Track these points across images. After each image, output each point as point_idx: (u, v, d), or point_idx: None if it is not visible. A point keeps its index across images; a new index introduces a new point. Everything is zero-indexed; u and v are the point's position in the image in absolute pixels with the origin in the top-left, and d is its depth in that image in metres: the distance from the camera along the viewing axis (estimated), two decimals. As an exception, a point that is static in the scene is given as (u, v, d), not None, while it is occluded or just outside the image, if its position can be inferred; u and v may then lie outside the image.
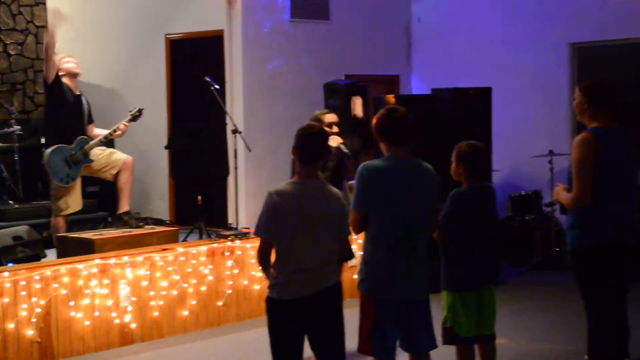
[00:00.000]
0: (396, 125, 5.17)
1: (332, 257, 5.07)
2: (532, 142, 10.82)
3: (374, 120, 5.26)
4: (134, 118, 8.90)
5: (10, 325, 6.84)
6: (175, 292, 7.75)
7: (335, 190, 5.07)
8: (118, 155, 8.86)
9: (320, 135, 5.01)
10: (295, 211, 4.85)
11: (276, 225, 4.85)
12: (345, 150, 8.06)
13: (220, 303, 8.05)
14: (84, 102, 8.91)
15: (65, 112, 8.69)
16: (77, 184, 8.78)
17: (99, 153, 8.81)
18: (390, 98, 9.68)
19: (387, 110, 5.25)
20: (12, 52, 12.48)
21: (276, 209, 4.85)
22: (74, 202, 8.75)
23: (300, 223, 4.86)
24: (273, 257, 5.00)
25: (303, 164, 4.97)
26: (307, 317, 4.90)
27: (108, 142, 9.26)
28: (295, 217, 4.85)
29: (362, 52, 11.62)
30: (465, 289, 5.68)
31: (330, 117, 8.25)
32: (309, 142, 4.96)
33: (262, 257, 5.00)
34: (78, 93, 8.88)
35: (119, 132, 8.84)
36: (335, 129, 8.13)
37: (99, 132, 8.94)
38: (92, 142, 8.72)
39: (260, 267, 5.06)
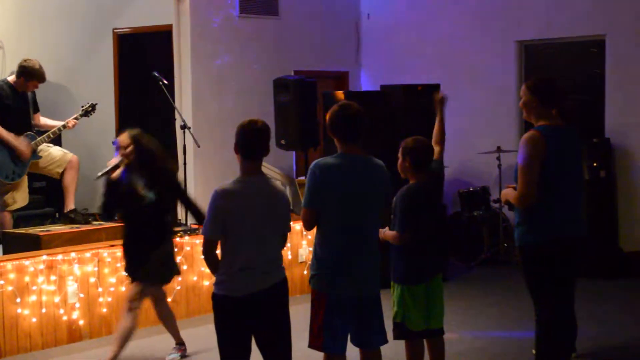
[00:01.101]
0: (349, 122, 5.18)
1: (278, 254, 5.09)
2: (480, 138, 10.92)
3: (327, 117, 5.26)
4: (86, 113, 8.87)
5: (-44, 323, 6.77)
6: (123, 289, 7.70)
7: (279, 186, 5.08)
8: (63, 154, 8.79)
9: (263, 130, 4.98)
10: (241, 209, 4.84)
11: (221, 224, 4.84)
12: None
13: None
14: (28, 95, 8.82)
15: (7, 112, 8.59)
16: (24, 180, 8.72)
17: (45, 150, 8.72)
18: (340, 94, 9.72)
19: (340, 107, 5.24)
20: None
21: (221, 208, 4.84)
22: (20, 197, 8.68)
23: (245, 221, 4.85)
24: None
25: (246, 161, 4.95)
26: (254, 313, 4.90)
27: (55, 139, 9.17)
28: (240, 215, 4.84)
29: (311, 48, 11.62)
30: (414, 281, 5.72)
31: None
32: (250, 138, 4.94)
33: (208, 255, 4.99)
34: (21, 91, 8.77)
35: (68, 127, 8.76)
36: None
37: (47, 121, 8.87)
38: (39, 139, 8.63)
39: (207, 265, 5.05)
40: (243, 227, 4.85)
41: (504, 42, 11.10)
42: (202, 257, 7.93)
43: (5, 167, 8.48)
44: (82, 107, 8.88)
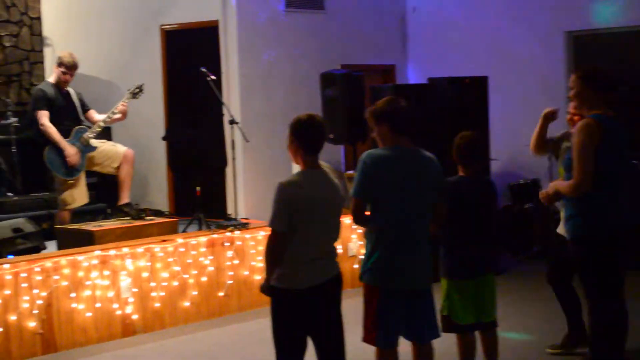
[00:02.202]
0: (400, 115, 5.19)
1: (336, 246, 5.11)
2: (530, 131, 10.79)
3: (377, 110, 5.27)
4: (134, 95, 8.88)
5: (12, 317, 6.86)
6: (176, 283, 7.77)
7: (336, 179, 5.09)
8: (118, 148, 8.86)
9: (322, 124, 5.02)
10: (307, 201, 4.86)
11: (288, 217, 4.84)
12: None
13: (221, 294, 8.07)
14: (73, 94, 8.92)
15: (55, 111, 8.68)
16: (82, 177, 8.80)
17: (99, 146, 8.79)
18: (386, 88, 9.69)
19: (391, 100, 5.27)
20: (7, 44, 12.44)
21: (288, 199, 4.85)
22: (79, 195, 8.78)
23: (310, 214, 4.87)
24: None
25: (307, 155, 4.97)
26: (313, 307, 4.92)
27: (107, 135, 9.25)
28: (307, 207, 4.86)
29: (357, 42, 11.61)
30: (461, 276, 5.71)
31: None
32: (313, 133, 4.97)
33: (276, 249, 4.90)
34: (65, 90, 8.88)
35: (118, 115, 8.79)
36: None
37: (100, 117, 8.91)
38: (88, 132, 8.70)
39: (269, 258, 4.95)
40: (308, 220, 4.86)
41: (553, 33, 11.00)
42: (254, 250, 8.13)
43: (61, 164, 8.60)
44: (129, 90, 8.91)
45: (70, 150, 8.57)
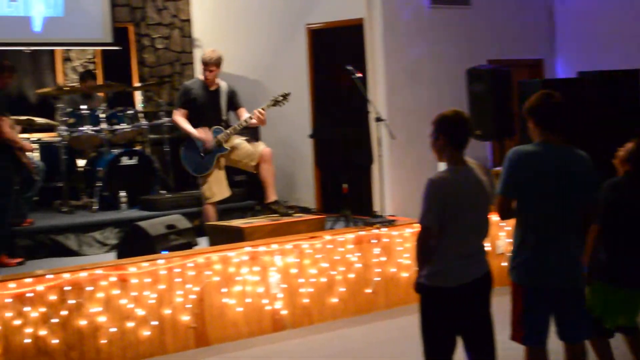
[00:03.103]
0: (551, 111, 5.10)
1: (485, 244, 5.06)
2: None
3: (528, 104, 5.19)
4: (276, 103, 8.81)
5: (167, 311, 7.07)
6: (324, 280, 7.85)
7: (483, 176, 5.03)
8: (255, 147, 8.89)
9: (468, 120, 4.98)
10: (456, 197, 4.84)
11: (438, 213, 4.83)
12: None
13: (368, 290, 8.10)
14: (223, 91, 8.96)
15: (197, 108, 8.86)
16: (220, 173, 8.92)
17: (238, 144, 8.90)
18: (535, 82, 9.52)
19: (543, 95, 5.17)
20: (159, 47, 12.85)
21: (437, 196, 4.83)
22: (218, 190, 8.90)
23: (461, 209, 4.84)
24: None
25: (454, 150, 4.94)
26: (464, 305, 4.88)
27: (253, 133, 9.41)
28: (456, 204, 4.83)
29: (504, 36, 11.43)
30: (621, 284, 5.54)
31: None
32: (459, 128, 4.94)
33: (425, 245, 4.89)
34: (214, 88, 8.95)
35: (253, 121, 8.77)
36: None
37: (245, 115, 8.95)
38: (224, 132, 8.82)
39: (419, 255, 4.95)
40: (457, 216, 4.83)
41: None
42: (401, 247, 8.13)
43: (192, 161, 8.81)
44: (273, 97, 8.91)
45: (204, 136, 8.75)
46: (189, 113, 8.87)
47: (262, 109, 8.69)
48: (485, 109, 9.48)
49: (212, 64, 8.82)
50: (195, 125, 8.84)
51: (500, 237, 8.74)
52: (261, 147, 8.92)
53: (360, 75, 8.96)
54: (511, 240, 5.28)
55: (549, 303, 5.09)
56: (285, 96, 8.80)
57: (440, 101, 10.33)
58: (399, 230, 8.26)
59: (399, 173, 10.16)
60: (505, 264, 8.19)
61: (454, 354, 4.97)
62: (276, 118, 11.55)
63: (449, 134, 4.92)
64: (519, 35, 11.65)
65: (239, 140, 8.94)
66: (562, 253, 5.05)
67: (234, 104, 8.99)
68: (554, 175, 5.02)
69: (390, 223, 8.33)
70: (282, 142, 11.53)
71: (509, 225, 8.33)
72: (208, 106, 8.89)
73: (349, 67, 8.96)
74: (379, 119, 8.76)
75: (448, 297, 4.87)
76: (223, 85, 8.97)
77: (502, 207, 5.11)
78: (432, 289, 4.91)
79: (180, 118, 8.88)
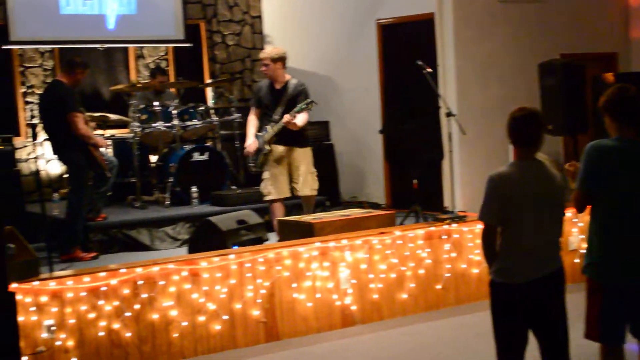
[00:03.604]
0: (628, 105, 5.00)
1: (557, 239, 4.99)
2: None
3: (603, 99, 5.11)
4: (300, 110, 8.67)
5: (238, 306, 7.12)
6: (393, 275, 7.82)
7: (554, 170, 4.97)
8: (304, 186, 8.93)
9: (527, 117, 4.91)
10: (519, 193, 4.79)
11: (500, 208, 4.80)
12: None
13: (438, 286, 8.06)
14: (288, 91, 8.85)
15: (262, 109, 8.95)
16: (278, 173, 8.89)
17: (298, 166, 8.92)
18: (610, 76, 9.38)
19: (619, 89, 5.07)
20: (230, 43, 12.95)
21: (498, 192, 4.80)
22: (274, 189, 8.89)
23: (524, 205, 4.79)
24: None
25: (521, 148, 4.90)
26: (533, 301, 4.82)
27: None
28: (519, 199, 4.78)
29: (577, 30, 11.26)
30: None
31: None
32: (518, 125, 4.88)
33: (486, 241, 4.91)
34: (280, 86, 8.89)
35: (280, 126, 8.72)
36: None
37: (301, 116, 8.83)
38: (265, 134, 8.84)
39: (484, 251, 4.97)
40: (521, 211, 4.79)
41: None
42: (472, 244, 8.07)
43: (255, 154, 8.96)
44: (300, 104, 8.74)
45: (247, 142, 8.97)
46: (260, 111, 8.98)
47: (291, 114, 8.63)
48: (558, 104, 9.35)
49: (264, 58, 8.83)
50: (261, 123, 8.94)
51: (573, 233, 8.61)
52: (307, 190, 8.93)
53: (430, 70, 8.91)
54: (584, 236, 5.19)
55: (625, 300, 4.99)
56: (309, 104, 8.70)
57: (512, 96, 10.25)
58: (470, 226, 8.20)
59: (470, 168, 10.09)
60: (578, 260, 8.11)
61: (525, 350, 4.91)
62: (346, 114, 11.59)
63: (514, 133, 4.88)
64: (593, 28, 11.47)
65: (304, 168, 8.89)
66: (638, 248, 4.96)
67: (295, 103, 8.79)
68: (633, 170, 4.93)
69: (460, 219, 8.27)
70: (352, 137, 11.54)
71: (582, 221, 8.21)
72: (269, 105, 8.91)
73: (419, 62, 8.91)
74: (449, 114, 8.70)
75: (516, 293, 4.83)
76: (291, 84, 8.87)
77: (580, 202, 5.03)
78: (500, 285, 4.89)
79: (250, 117, 9.04)
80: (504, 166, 4.91)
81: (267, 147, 8.84)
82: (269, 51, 8.89)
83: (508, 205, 4.78)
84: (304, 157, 8.92)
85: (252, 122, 8.99)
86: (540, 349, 4.96)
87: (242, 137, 10.79)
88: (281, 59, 8.82)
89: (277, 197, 8.91)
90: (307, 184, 8.92)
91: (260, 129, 8.95)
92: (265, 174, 8.93)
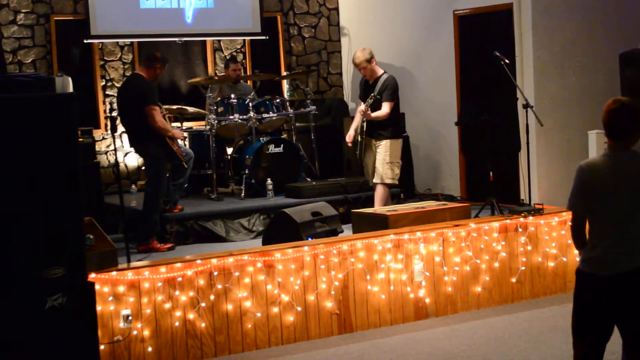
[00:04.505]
0: (612, 117, 4.84)
1: None
2: None
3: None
4: (369, 103, 9.07)
5: (311, 297, 7.15)
6: (468, 268, 7.77)
7: None
8: (377, 172, 9.19)
9: (618, 109, 4.81)
10: (608, 183, 4.74)
11: (587, 198, 4.77)
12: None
13: (513, 280, 7.98)
14: (377, 85, 9.10)
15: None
16: (369, 160, 9.19)
17: (376, 154, 9.22)
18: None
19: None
20: (306, 35, 12.98)
21: (586, 182, 4.77)
22: (368, 176, 9.36)
23: (613, 195, 4.73)
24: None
25: (613, 140, 4.83)
26: (621, 294, 4.74)
27: (397, 121, 9.43)
28: (608, 189, 4.74)
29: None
30: None
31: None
32: (608, 117, 4.81)
33: (575, 231, 4.88)
34: (372, 81, 9.20)
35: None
36: None
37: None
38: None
39: (573, 240, 4.93)
40: (609, 202, 4.74)
41: None
42: (548, 237, 7.98)
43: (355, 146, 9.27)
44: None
45: (349, 132, 9.35)
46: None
47: (365, 106, 9.07)
48: (639, 95, 9.14)
49: (359, 64, 9.16)
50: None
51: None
52: (376, 178, 9.17)
53: (507, 61, 8.81)
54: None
55: None
56: (371, 98, 9.09)
57: (591, 87, 10.08)
58: (546, 219, 8.10)
59: (547, 160, 9.95)
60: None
61: (606, 344, 4.84)
62: (422, 105, 11.53)
63: (606, 125, 4.84)
64: (675, 17, 11.20)
65: (380, 157, 9.12)
66: None
67: (382, 98, 9.07)
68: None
69: (537, 212, 8.17)
70: (428, 129, 11.48)
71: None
72: (362, 98, 9.30)
73: (497, 53, 8.84)
74: (526, 106, 8.59)
75: (603, 284, 4.76)
76: (381, 79, 9.17)
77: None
78: (587, 274, 4.84)
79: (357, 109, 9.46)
80: (596, 156, 4.86)
81: (359, 138, 9.19)
82: (359, 57, 9.15)
83: (594, 195, 4.75)
84: (383, 148, 9.11)
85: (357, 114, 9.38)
86: (623, 344, 4.88)
87: (317, 130, 10.88)
88: (372, 58, 9.15)
89: (372, 183, 9.31)
90: (377, 173, 9.16)
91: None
92: (365, 161, 9.33)
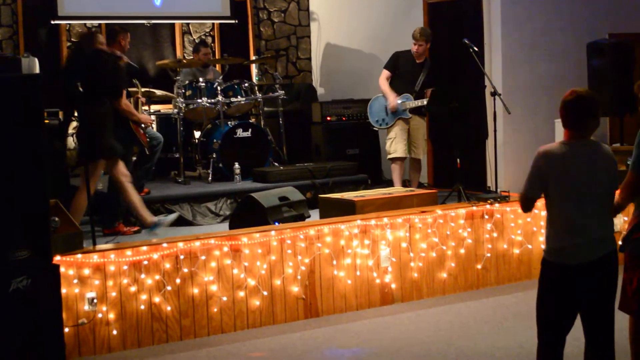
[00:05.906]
0: (568, 109, 4.93)
1: (608, 222, 4.93)
2: None
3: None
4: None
5: (277, 282, 7.15)
6: (434, 254, 7.81)
7: (606, 149, 4.92)
8: (417, 149, 10.01)
9: (575, 101, 4.87)
10: (564, 172, 4.78)
11: (542, 183, 4.83)
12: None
13: (479, 266, 8.04)
14: (426, 68, 9.90)
15: (397, 75, 9.94)
16: (404, 134, 9.86)
17: (418, 129, 9.91)
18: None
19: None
20: (275, 20, 12.94)
21: (542, 167, 4.83)
22: (399, 147, 9.83)
23: (567, 183, 4.78)
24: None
25: (571, 130, 4.89)
26: (583, 284, 4.79)
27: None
28: (563, 179, 4.78)
29: (627, 9, 11.08)
30: None
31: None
32: (569, 109, 4.88)
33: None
34: (420, 61, 9.92)
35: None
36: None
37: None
38: (408, 101, 9.71)
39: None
40: (566, 192, 4.80)
41: None
42: (514, 224, 8.04)
43: (376, 114, 9.95)
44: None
45: (391, 99, 9.81)
46: (391, 76, 9.91)
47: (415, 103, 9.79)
48: (605, 85, 9.22)
49: (420, 39, 9.78)
50: (394, 88, 9.87)
51: (618, 216, 8.51)
52: (421, 153, 10.05)
53: (476, 49, 8.85)
54: (627, 218, 5.14)
55: None
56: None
57: (559, 76, 10.14)
58: (512, 206, 8.15)
59: (514, 148, 10.02)
60: (621, 242, 8.02)
61: (568, 332, 4.90)
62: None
63: (562, 115, 4.92)
64: (642, 8, 11.28)
65: (422, 134, 9.97)
66: None
67: (427, 82, 9.85)
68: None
69: (503, 199, 8.22)
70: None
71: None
72: (407, 76, 9.89)
73: (466, 41, 8.88)
74: (494, 93, 8.64)
75: (566, 274, 4.81)
76: (428, 61, 9.95)
77: (633, 185, 4.98)
78: (551, 264, 4.89)
79: (382, 78, 9.96)
80: (554, 143, 4.92)
81: (408, 114, 9.80)
82: (429, 34, 9.90)
83: (551, 183, 4.81)
84: (422, 126, 9.96)
85: (387, 83, 9.93)
86: (585, 333, 4.93)
87: (285, 114, 10.84)
88: (430, 38, 9.88)
89: (400, 156, 9.85)
90: (423, 149, 10.02)
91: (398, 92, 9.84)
92: (392, 134, 9.85)
